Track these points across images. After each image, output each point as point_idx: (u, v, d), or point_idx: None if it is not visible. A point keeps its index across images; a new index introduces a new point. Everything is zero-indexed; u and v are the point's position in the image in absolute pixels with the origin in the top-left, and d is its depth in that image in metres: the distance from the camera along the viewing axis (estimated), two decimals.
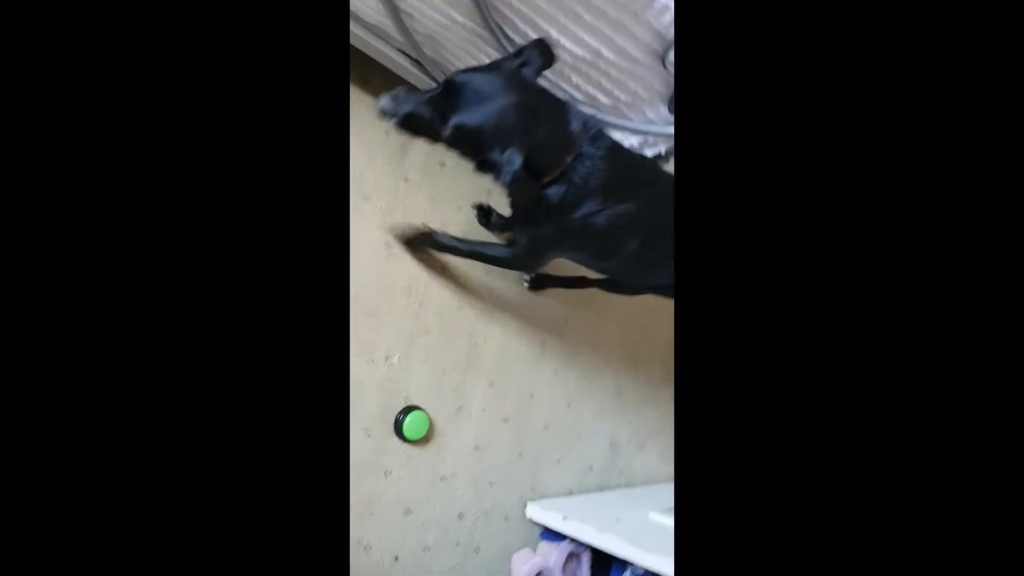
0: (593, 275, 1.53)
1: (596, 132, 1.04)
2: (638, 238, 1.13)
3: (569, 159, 1.01)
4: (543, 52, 0.99)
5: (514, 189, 0.97)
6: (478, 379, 1.55)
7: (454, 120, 0.94)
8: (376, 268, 1.36)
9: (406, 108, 0.94)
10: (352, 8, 1.06)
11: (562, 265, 1.41)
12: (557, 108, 1.02)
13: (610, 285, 1.58)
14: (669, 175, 1.18)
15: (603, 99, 1.23)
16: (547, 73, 1.15)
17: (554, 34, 1.06)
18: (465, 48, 1.14)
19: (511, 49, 1.09)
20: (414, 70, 1.22)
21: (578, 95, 1.24)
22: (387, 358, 1.38)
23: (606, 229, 1.08)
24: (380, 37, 1.14)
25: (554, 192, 1.03)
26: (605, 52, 1.08)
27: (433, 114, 0.95)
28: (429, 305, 1.46)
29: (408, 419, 1.37)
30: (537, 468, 1.69)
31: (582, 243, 1.14)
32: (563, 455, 1.77)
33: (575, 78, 1.18)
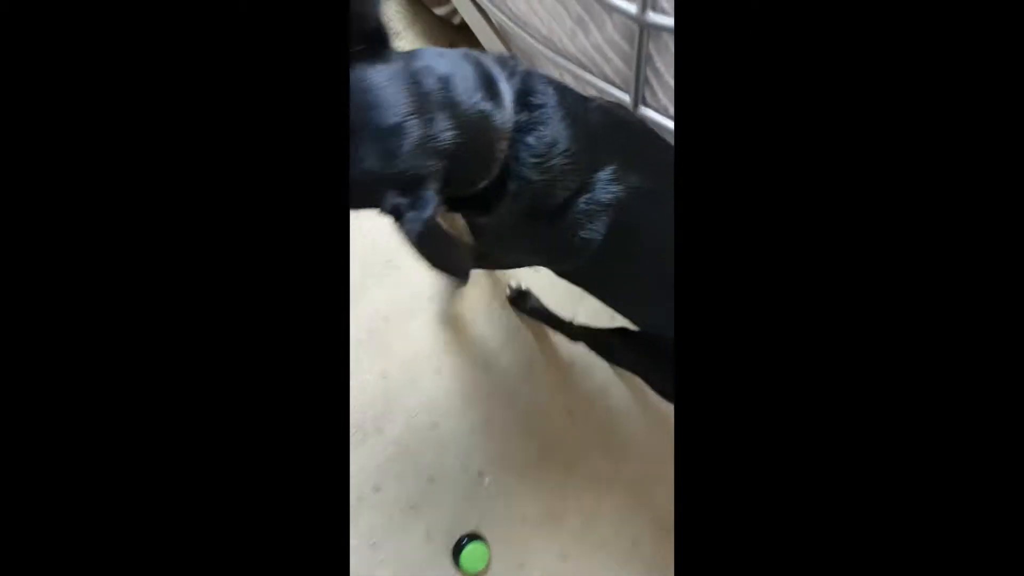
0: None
1: (524, 87, 0.69)
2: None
3: (502, 149, 0.67)
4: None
5: (428, 240, 0.62)
6: (553, 542, 1.42)
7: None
8: (519, 386, 1.36)
9: None
10: None
11: None
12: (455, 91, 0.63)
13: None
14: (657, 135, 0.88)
15: None
16: None
17: None
18: None
19: None
20: None
21: None
22: (480, 474, 1.32)
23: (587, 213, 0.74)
24: None
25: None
26: None
27: None
28: (547, 434, 1.40)
29: (469, 547, 1.28)
30: None
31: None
32: None
33: None
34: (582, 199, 0.73)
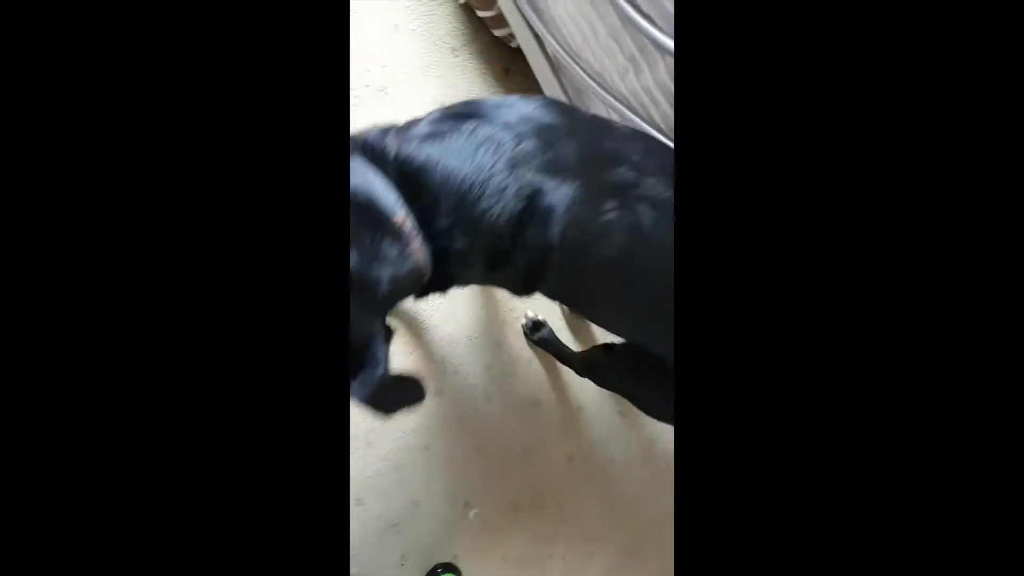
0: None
1: (400, 173, 0.68)
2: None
3: (417, 251, 0.66)
4: None
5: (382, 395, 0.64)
6: None
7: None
8: (521, 421, 1.32)
9: None
10: None
11: None
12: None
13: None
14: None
15: None
16: None
17: None
18: None
19: None
20: None
21: None
22: (467, 504, 1.28)
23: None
24: None
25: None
26: None
27: None
28: (543, 476, 1.35)
29: None
30: None
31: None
32: None
33: None
34: (530, 231, 0.69)
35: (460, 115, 0.72)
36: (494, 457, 1.31)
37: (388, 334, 0.68)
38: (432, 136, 0.70)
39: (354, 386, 0.61)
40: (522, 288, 0.80)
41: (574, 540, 1.40)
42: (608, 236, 0.71)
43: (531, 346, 1.34)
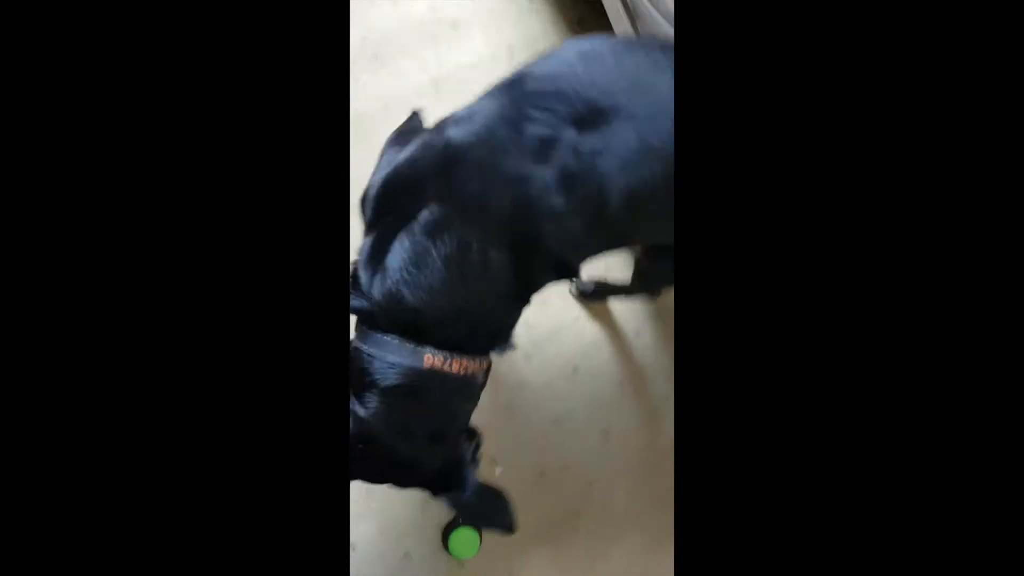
0: None
1: (387, 302, 0.70)
2: None
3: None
4: None
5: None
6: (550, 558, 1.32)
7: None
8: (555, 387, 1.28)
9: None
10: None
11: None
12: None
13: None
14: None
15: None
16: None
17: None
18: None
19: None
20: None
21: None
22: (493, 461, 1.26)
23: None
24: None
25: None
26: None
27: None
28: (574, 448, 1.30)
29: (462, 529, 1.22)
30: None
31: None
32: None
33: None
34: (536, 259, 0.71)
35: (393, 222, 0.68)
36: (525, 418, 1.28)
37: (475, 441, 0.77)
38: (379, 272, 0.68)
39: (445, 499, 0.74)
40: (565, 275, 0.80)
41: (599, 518, 1.34)
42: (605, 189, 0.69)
43: (583, 304, 1.30)
